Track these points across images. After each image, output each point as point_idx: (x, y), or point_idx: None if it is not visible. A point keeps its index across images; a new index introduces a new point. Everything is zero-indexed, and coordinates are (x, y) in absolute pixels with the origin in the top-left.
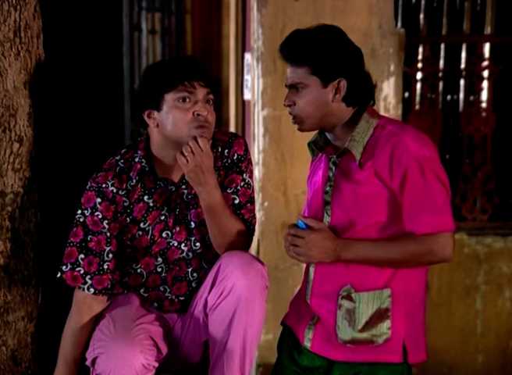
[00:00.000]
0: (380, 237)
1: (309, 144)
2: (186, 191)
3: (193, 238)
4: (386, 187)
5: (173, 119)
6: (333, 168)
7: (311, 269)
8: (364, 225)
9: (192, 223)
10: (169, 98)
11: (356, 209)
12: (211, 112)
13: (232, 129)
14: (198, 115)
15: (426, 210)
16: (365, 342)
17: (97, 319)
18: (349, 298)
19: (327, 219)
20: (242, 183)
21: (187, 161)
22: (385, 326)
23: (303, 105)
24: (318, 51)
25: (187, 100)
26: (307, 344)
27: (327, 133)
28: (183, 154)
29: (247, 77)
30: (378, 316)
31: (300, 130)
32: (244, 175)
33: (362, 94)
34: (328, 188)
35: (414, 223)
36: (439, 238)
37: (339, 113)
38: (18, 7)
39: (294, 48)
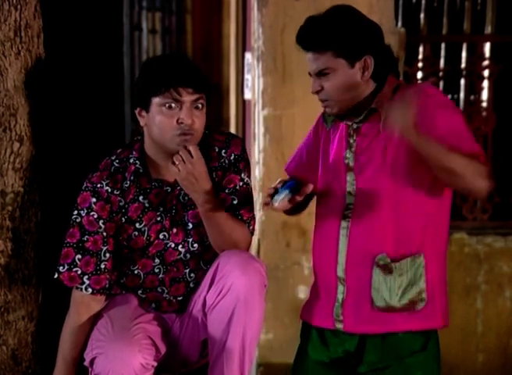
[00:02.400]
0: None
1: (323, 114)
2: (182, 192)
3: (190, 239)
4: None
5: (158, 123)
6: (354, 133)
7: (343, 240)
8: (393, 192)
9: (189, 224)
10: (156, 102)
11: (384, 174)
12: (198, 118)
13: (232, 128)
14: (181, 123)
15: (469, 142)
16: (403, 309)
17: (95, 319)
18: (385, 266)
19: (352, 186)
20: (240, 184)
21: (179, 170)
22: (421, 291)
23: (332, 88)
24: (339, 34)
25: (173, 106)
26: (339, 325)
27: None
28: (174, 163)
29: (248, 77)
30: (414, 282)
31: (331, 114)
32: (242, 175)
33: (388, 68)
34: (349, 154)
35: (463, 148)
36: (484, 167)
37: (368, 90)
38: (18, 6)
39: (314, 36)
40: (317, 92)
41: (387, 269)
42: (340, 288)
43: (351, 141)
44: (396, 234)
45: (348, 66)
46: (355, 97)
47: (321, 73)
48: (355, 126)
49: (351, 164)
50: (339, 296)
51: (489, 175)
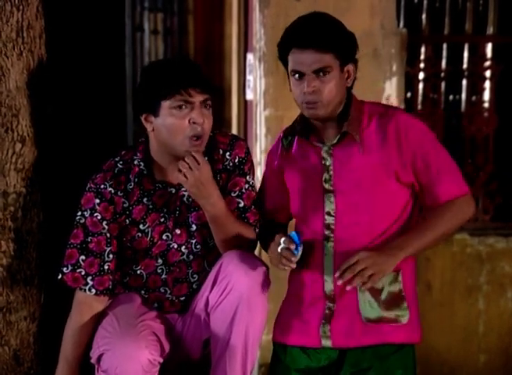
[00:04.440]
0: (417, 222)
1: (283, 139)
2: (186, 194)
3: (193, 241)
4: (394, 169)
5: (169, 126)
6: (328, 156)
7: (328, 259)
8: (372, 210)
9: (193, 225)
10: (166, 105)
11: (364, 195)
12: (207, 118)
13: (234, 129)
14: (194, 123)
15: (447, 179)
16: (391, 321)
17: (98, 319)
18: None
19: (331, 206)
20: (246, 186)
21: (187, 178)
22: (404, 306)
23: (329, 89)
24: (341, 36)
25: (183, 107)
26: (326, 342)
27: (317, 123)
28: (180, 171)
29: (249, 77)
30: (397, 297)
31: (316, 116)
32: (248, 177)
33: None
34: (327, 177)
35: (439, 193)
36: (466, 198)
37: (341, 103)
38: (20, 7)
39: (319, 34)
40: (312, 92)
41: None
42: (328, 305)
43: (327, 163)
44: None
45: (340, 69)
46: (339, 103)
47: (320, 72)
48: (326, 148)
49: (330, 186)
50: (327, 312)
51: (472, 199)
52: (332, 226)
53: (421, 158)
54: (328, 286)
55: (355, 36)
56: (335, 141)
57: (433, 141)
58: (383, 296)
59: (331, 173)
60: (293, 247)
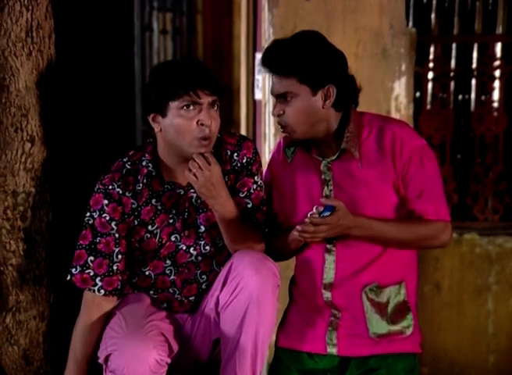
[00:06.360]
0: (390, 219)
1: (284, 149)
2: (194, 195)
3: (202, 242)
4: (392, 182)
5: (176, 126)
6: (327, 171)
7: (329, 272)
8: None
9: (202, 226)
10: (174, 105)
11: (365, 209)
12: (215, 120)
13: (243, 129)
14: (202, 124)
15: (427, 202)
16: (398, 333)
17: (107, 318)
18: (376, 293)
19: None
20: (254, 187)
21: (197, 177)
22: (409, 316)
23: (293, 114)
24: (304, 61)
25: (191, 108)
26: (332, 350)
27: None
28: (190, 171)
29: (258, 77)
30: (402, 308)
31: (292, 138)
32: (256, 177)
33: (350, 98)
34: (327, 192)
35: (420, 210)
36: (442, 225)
37: (330, 119)
38: (30, 7)
39: (279, 60)
40: (278, 115)
41: (379, 295)
42: (334, 312)
43: (327, 178)
44: (382, 263)
45: (311, 93)
46: (317, 124)
47: (282, 97)
48: (325, 162)
49: None
50: (332, 318)
51: (449, 230)
52: (334, 240)
53: (408, 175)
54: (328, 298)
55: (336, 57)
56: (334, 158)
57: (427, 161)
58: (389, 309)
59: (331, 187)
60: (321, 208)
